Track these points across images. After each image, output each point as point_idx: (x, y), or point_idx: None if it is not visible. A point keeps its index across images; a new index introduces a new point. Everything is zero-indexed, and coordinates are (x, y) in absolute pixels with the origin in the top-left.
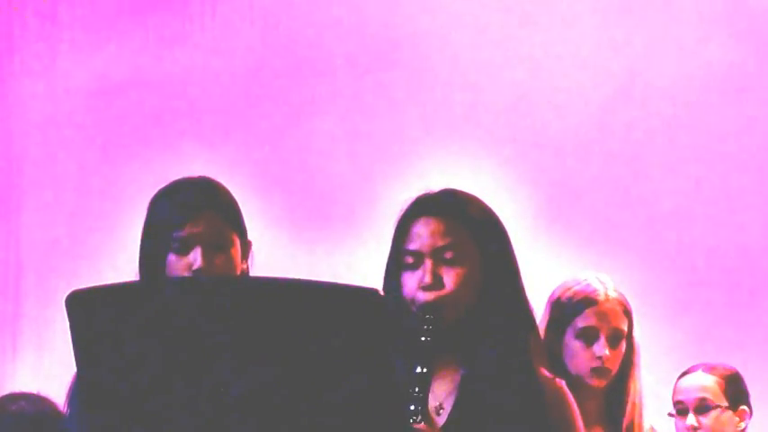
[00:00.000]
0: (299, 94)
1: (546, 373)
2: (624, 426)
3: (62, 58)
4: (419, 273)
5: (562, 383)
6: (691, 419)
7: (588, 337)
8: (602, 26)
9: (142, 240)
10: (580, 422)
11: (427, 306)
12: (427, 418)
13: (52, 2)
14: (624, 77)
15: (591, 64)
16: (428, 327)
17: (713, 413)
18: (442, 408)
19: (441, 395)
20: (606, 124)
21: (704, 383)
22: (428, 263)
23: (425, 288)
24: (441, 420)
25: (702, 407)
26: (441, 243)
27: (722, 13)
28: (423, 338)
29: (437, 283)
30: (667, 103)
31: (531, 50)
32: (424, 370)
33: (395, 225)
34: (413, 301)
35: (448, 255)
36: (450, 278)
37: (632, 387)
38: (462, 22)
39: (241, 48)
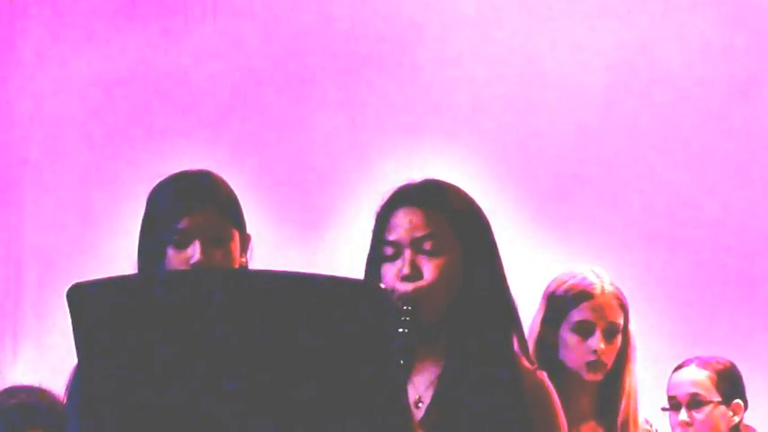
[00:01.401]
0: (299, 88)
1: (527, 365)
2: (619, 420)
3: (62, 55)
4: (398, 263)
5: (543, 375)
6: (683, 415)
7: (584, 330)
8: (601, 22)
9: (141, 233)
10: (561, 415)
11: (406, 297)
12: None
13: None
14: (621, 73)
15: (587, 59)
16: (406, 318)
17: (706, 408)
18: (421, 401)
19: (420, 388)
20: (602, 119)
21: (697, 378)
22: (407, 253)
23: (404, 279)
24: (419, 413)
25: (695, 402)
26: (420, 233)
27: (721, 6)
28: (400, 330)
29: (416, 273)
30: (665, 97)
31: (528, 45)
32: (401, 362)
33: (375, 216)
34: (392, 292)
35: (427, 245)
36: (429, 269)
37: (627, 381)
38: (460, 17)
39: (240, 43)
